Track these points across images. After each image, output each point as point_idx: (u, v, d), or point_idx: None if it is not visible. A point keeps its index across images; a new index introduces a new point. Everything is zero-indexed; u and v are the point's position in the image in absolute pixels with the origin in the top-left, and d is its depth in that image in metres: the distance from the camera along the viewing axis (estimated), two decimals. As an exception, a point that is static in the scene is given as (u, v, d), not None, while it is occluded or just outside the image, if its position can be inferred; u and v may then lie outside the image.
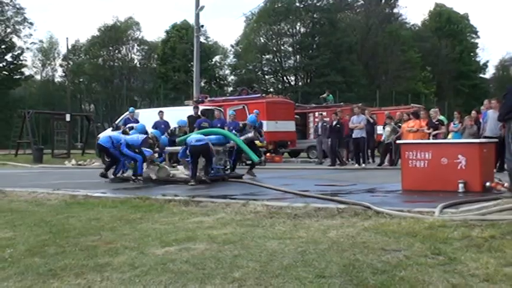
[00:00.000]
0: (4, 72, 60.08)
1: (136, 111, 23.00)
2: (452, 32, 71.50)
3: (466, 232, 5.89)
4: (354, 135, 19.37)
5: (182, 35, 60.55)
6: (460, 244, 5.43)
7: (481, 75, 75.67)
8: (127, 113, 25.09)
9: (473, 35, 77.36)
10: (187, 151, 13.48)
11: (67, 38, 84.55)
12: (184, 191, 10.88)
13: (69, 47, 59.91)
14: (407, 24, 72.65)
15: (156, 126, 21.22)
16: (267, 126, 23.58)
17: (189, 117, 20.19)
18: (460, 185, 9.65)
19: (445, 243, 5.49)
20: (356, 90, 56.79)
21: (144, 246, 5.86)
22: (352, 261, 4.95)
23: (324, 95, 32.61)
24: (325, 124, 21.82)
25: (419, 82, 63.85)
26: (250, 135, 14.96)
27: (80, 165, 25.77)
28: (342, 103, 31.24)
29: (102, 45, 64.13)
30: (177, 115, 21.87)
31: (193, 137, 13.54)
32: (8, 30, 61.14)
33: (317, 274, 4.58)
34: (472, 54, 75.12)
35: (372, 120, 20.47)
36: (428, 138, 16.52)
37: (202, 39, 54.43)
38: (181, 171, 14.19)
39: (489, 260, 4.80)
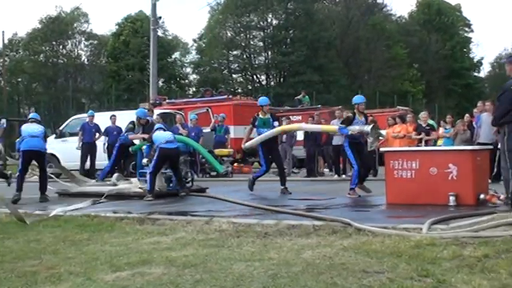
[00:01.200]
0: None
1: (83, 115, 22.77)
2: (442, 25, 72.21)
3: (457, 251, 5.98)
4: (333, 142, 19.51)
5: (137, 27, 60.23)
6: (450, 264, 5.51)
7: (475, 74, 76.52)
8: (73, 117, 24.91)
9: (466, 29, 78.33)
10: (154, 154, 13.01)
11: (3, 32, 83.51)
12: (139, 208, 10.83)
13: (5, 41, 59.23)
14: (393, 16, 73.20)
15: (107, 132, 21.11)
16: (234, 132, 23.59)
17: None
18: (451, 198, 9.76)
19: (434, 263, 5.56)
20: (335, 91, 57.08)
21: (92, 271, 5.83)
22: (329, 285, 4.99)
23: (299, 97, 32.75)
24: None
25: (406, 81, 64.36)
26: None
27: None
28: (319, 105, 31.38)
29: (44, 40, 63.42)
30: (132, 120, 21.82)
31: (162, 137, 13.15)
32: None
33: (289, 301, 4.62)
34: (465, 50, 75.86)
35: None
36: (417, 145, 16.73)
37: (160, 32, 54.09)
38: (135, 185, 14.11)
39: (482, 282, 4.88)
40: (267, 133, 13.61)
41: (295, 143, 22.10)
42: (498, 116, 8.95)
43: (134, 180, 14.36)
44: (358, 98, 13.18)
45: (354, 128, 12.48)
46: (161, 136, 13.16)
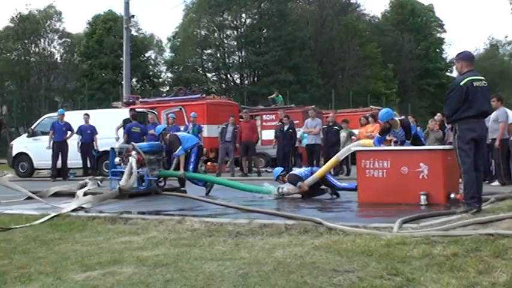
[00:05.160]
0: None
1: (56, 114, 22.56)
2: (416, 25, 72.87)
3: (427, 250, 6.04)
4: (308, 142, 19.64)
5: (109, 26, 59.89)
6: (420, 263, 5.56)
7: (448, 74, 77.07)
8: (45, 116, 24.70)
9: (439, 29, 79.12)
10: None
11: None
12: (111, 207, 10.78)
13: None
14: (366, 16, 73.76)
15: (80, 131, 21.00)
16: (207, 130, 23.58)
17: (125, 120, 20.06)
18: (422, 197, 9.86)
19: (404, 262, 5.62)
20: (311, 91, 57.18)
21: (62, 270, 5.79)
22: (299, 284, 5.01)
23: (273, 96, 32.79)
24: (236, 130, 21.63)
25: (380, 81, 64.68)
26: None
27: (-12, 177, 25.20)
28: (292, 105, 31.46)
29: (16, 38, 62.81)
30: (105, 118, 21.70)
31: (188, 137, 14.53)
32: None
33: (259, 300, 4.63)
34: (438, 50, 76.67)
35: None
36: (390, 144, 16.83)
37: (133, 31, 54.04)
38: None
39: (450, 281, 4.93)
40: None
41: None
42: (449, 114, 8.95)
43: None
44: (385, 115, 12.09)
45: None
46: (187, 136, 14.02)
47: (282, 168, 13.12)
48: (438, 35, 78.37)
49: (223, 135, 21.53)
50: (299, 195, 11.98)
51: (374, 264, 5.56)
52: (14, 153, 23.58)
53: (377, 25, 72.75)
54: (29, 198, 13.17)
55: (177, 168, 14.12)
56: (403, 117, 14.12)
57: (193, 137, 15.53)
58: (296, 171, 12.75)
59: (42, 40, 65.36)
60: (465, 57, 9.04)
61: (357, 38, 64.12)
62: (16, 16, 62.90)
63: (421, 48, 71.28)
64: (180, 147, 13.93)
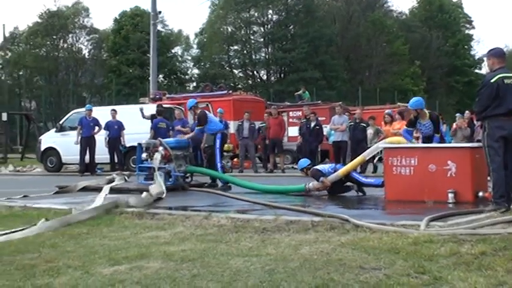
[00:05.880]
0: None
1: (83, 109, 22.73)
2: (444, 22, 72.28)
3: (455, 248, 5.98)
4: (335, 139, 19.58)
5: (136, 22, 60.15)
6: (447, 262, 5.52)
7: (477, 71, 76.30)
8: (73, 111, 24.91)
9: (468, 26, 78.42)
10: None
11: (3, 25, 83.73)
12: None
13: (7, 35, 59.20)
14: (394, 12, 73.36)
15: (108, 127, 21.13)
16: (234, 127, 23.59)
17: (152, 116, 20.12)
18: (450, 195, 9.76)
19: (431, 260, 5.57)
20: (337, 87, 56.99)
21: (90, 264, 5.83)
22: (326, 281, 4.99)
23: (300, 92, 32.79)
24: (252, 125, 21.82)
25: (407, 78, 64.30)
26: None
27: (18, 171, 25.51)
28: (319, 101, 31.39)
29: (45, 34, 63.33)
30: (132, 114, 21.80)
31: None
32: None
33: (286, 296, 4.63)
34: (466, 47, 75.98)
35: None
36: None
37: (159, 27, 54.21)
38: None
39: (478, 280, 4.88)
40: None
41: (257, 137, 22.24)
42: (479, 111, 8.87)
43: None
44: (415, 103, 12.35)
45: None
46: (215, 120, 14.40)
47: (309, 161, 13.06)
48: (467, 31, 77.73)
49: (239, 132, 21.69)
50: (325, 193, 11.94)
51: (401, 262, 5.53)
52: (42, 148, 23.85)
53: (404, 21, 72.32)
54: (58, 192, 13.34)
55: (209, 163, 14.35)
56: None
57: (219, 123, 15.74)
58: (319, 166, 12.72)
59: (70, 36, 65.90)
60: (497, 53, 8.94)
61: (384, 34, 63.79)
62: (45, 12, 63.50)
63: (449, 45, 70.68)
64: (201, 127, 14.41)
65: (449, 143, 16.25)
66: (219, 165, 14.24)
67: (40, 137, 25.20)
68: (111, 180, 14.37)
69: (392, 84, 60.20)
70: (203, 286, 4.94)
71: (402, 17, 74.36)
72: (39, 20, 64.08)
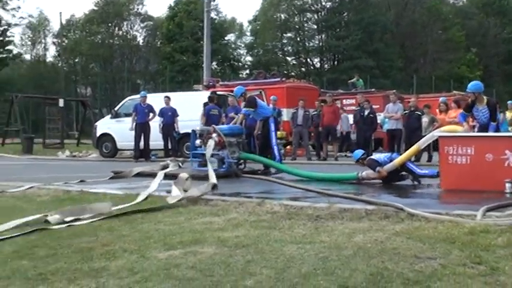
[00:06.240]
0: (-12, 49, 60.29)
1: (138, 96, 22.97)
2: (502, 8, 70.78)
3: (512, 239, 5.89)
4: (389, 127, 19.44)
5: (190, 10, 60.46)
6: (504, 252, 5.42)
7: (536, 59, 74.72)
8: (128, 98, 25.21)
9: (527, 12, 76.63)
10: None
11: (60, 13, 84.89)
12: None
13: (63, 22, 60.14)
14: (450, -2, 72.14)
15: (162, 113, 21.34)
16: (287, 114, 23.57)
17: (205, 103, 20.22)
18: (508, 185, 9.59)
19: (487, 250, 5.48)
20: (392, 75, 56.38)
21: (146, 249, 5.92)
22: (380, 269, 4.96)
23: (353, 80, 32.58)
24: (307, 113, 21.72)
25: (463, 66, 63.32)
26: None
27: (74, 156, 26.00)
28: (373, 89, 31.14)
29: (100, 21, 64.19)
30: (186, 101, 21.97)
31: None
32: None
33: (340, 284, 4.61)
34: (525, 34, 74.32)
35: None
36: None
37: (213, 14, 54.41)
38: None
39: (537, 271, 4.80)
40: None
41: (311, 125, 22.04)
42: None
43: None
44: (473, 86, 12.09)
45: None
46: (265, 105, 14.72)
47: (363, 151, 12.96)
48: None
49: (294, 119, 21.68)
50: (378, 181, 11.86)
51: (457, 252, 5.46)
52: (98, 134, 24.24)
53: (461, 8, 71.11)
54: (113, 177, 13.55)
55: (261, 149, 14.44)
56: None
57: (269, 108, 15.83)
58: (375, 156, 12.62)
59: (125, 23, 66.70)
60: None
61: (440, 21, 62.89)
62: (100, 0, 64.34)
63: (507, 32, 69.17)
64: (251, 109, 14.57)
65: (506, 131, 15.97)
66: (275, 148, 14.34)
67: (96, 123, 25.59)
68: (165, 166, 14.52)
69: (448, 72, 59.32)
70: (257, 272, 4.96)
71: (459, 4, 73.17)
72: (95, 8, 65.10)
